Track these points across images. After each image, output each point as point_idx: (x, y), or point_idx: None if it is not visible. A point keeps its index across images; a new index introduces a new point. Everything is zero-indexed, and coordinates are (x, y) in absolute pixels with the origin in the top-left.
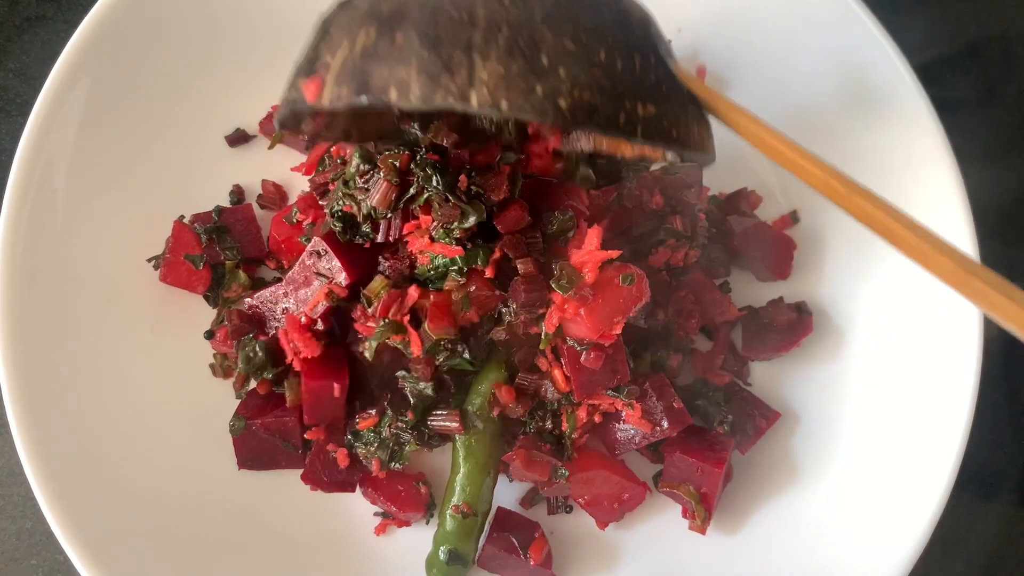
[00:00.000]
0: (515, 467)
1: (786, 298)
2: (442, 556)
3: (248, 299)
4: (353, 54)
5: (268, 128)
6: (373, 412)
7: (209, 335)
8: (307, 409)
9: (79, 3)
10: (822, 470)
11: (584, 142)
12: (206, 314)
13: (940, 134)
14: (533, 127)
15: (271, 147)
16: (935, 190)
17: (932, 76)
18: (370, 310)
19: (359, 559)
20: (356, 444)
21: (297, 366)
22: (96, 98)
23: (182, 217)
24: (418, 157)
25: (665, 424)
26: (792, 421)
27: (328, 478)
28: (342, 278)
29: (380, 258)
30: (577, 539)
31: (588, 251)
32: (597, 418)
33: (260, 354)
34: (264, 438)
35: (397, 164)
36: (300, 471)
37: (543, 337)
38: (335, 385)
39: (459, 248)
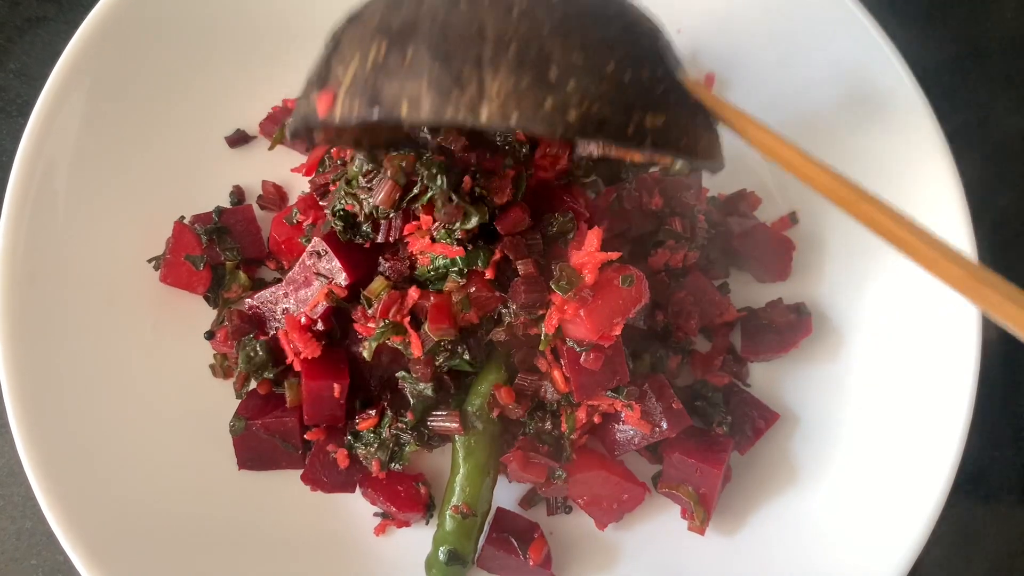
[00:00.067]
0: (512, 469)
1: (785, 299)
2: (441, 556)
3: (248, 300)
4: (364, 69)
5: (268, 129)
6: (373, 413)
7: (209, 335)
8: (307, 409)
9: (80, 4)
10: (821, 471)
11: (593, 148)
12: (206, 315)
13: (939, 136)
14: (543, 139)
15: (271, 148)
16: (934, 193)
17: (932, 77)
18: (370, 311)
19: (359, 559)
20: (356, 445)
21: (297, 366)
22: (97, 99)
23: (182, 218)
24: (424, 157)
25: (664, 425)
26: (791, 422)
27: (328, 478)
28: (342, 278)
29: (380, 259)
30: (576, 539)
31: (588, 252)
32: (596, 419)
33: (260, 354)
34: (264, 438)
35: (404, 164)
36: (300, 471)
37: (543, 338)
38: (335, 385)
39: (460, 248)
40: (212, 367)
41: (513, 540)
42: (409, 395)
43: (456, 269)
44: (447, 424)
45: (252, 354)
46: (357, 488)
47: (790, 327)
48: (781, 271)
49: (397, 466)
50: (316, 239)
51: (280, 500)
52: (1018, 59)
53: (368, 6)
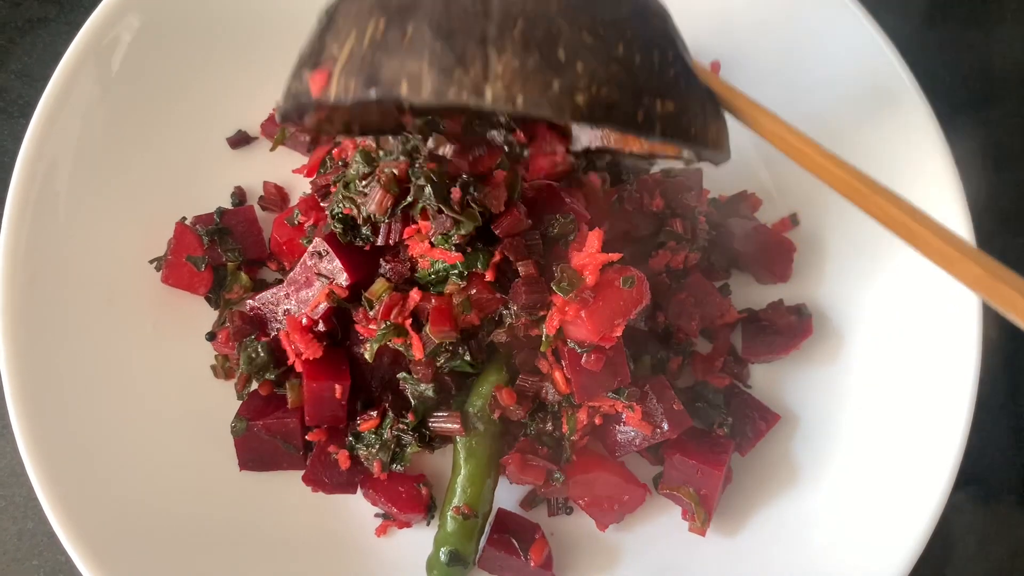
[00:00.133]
0: (511, 471)
1: (786, 301)
2: (443, 557)
3: (250, 300)
4: (361, 46)
5: (270, 130)
6: (374, 414)
7: (211, 336)
8: (308, 410)
9: (81, 5)
10: (821, 472)
11: (592, 138)
12: (208, 315)
13: (939, 136)
14: (541, 130)
15: (273, 149)
16: (934, 193)
17: (932, 77)
18: (371, 313)
19: (360, 560)
20: (357, 446)
21: (299, 367)
22: (98, 100)
23: (184, 219)
24: (416, 164)
25: (665, 426)
26: (792, 423)
27: (329, 479)
28: (343, 279)
29: (381, 260)
30: (577, 540)
31: (589, 254)
32: (597, 420)
33: (262, 355)
34: (265, 439)
35: (395, 173)
36: (301, 472)
37: (544, 339)
38: (336, 386)
39: (459, 255)
40: (213, 368)
41: (514, 541)
42: (410, 396)
43: (456, 272)
44: (448, 425)
45: (253, 355)
46: (358, 489)
47: (791, 328)
48: (782, 272)
49: (398, 467)
50: (317, 239)
51: (281, 501)
52: (1018, 59)
53: None
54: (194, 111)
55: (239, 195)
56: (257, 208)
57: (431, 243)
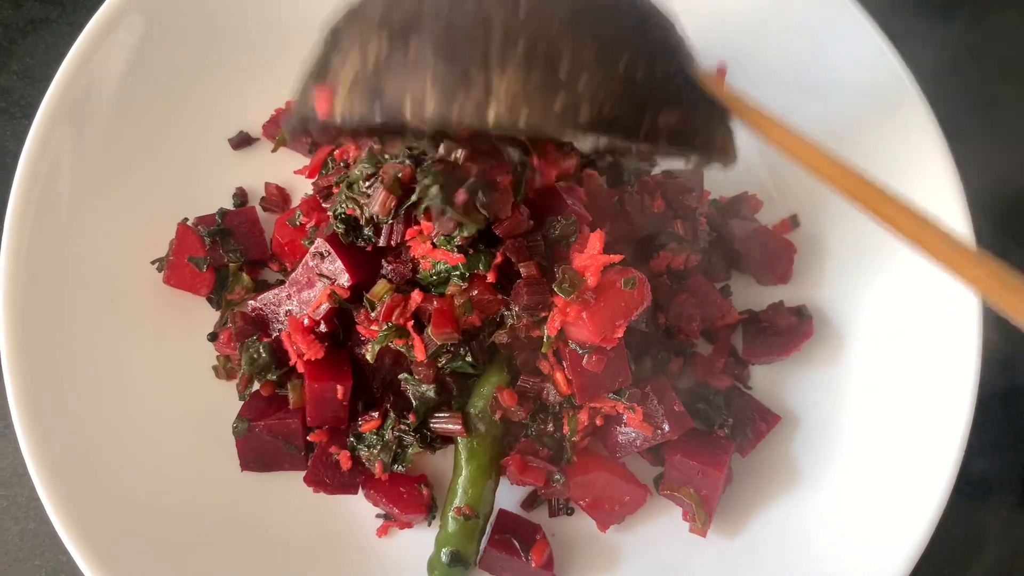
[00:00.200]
0: (512, 472)
1: (786, 302)
2: (444, 558)
3: (251, 301)
4: (365, 67)
5: (271, 131)
6: (376, 415)
7: (212, 337)
8: (310, 411)
9: (83, 6)
10: (822, 473)
11: (596, 142)
12: (209, 316)
13: (939, 136)
14: (549, 146)
15: (274, 150)
16: (934, 194)
17: (932, 77)
18: (373, 314)
19: (361, 560)
20: (359, 446)
21: (300, 368)
22: (100, 100)
23: (185, 219)
24: (423, 165)
25: (666, 427)
26: (792, 424)
27: (330, 480)
28: (345, 279)
29: (383, 261)
30: (578, 541)
31: (590, 255)
32: (598, 421)
33: (263, 356)
34: (267, 440)
35: (399, 176)
36: (303, 473)
37: (545, 340)
38: (338, 387)
39: (460, 256)
40: (215, 368)
41: (515, 542)
42: (412, 397)
43: (458, 273)
44: (449, 426)
45: (255, 356)
46: (360, 490)
47: (791, 330)
48: (782, 274)
49: (399, 468)
50: (319, 240)
51: (282, 501)
52: (1018, 59)
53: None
54: (196, 112)
55: (241, 196)
56: (259, 209)
57: (433, 244)
